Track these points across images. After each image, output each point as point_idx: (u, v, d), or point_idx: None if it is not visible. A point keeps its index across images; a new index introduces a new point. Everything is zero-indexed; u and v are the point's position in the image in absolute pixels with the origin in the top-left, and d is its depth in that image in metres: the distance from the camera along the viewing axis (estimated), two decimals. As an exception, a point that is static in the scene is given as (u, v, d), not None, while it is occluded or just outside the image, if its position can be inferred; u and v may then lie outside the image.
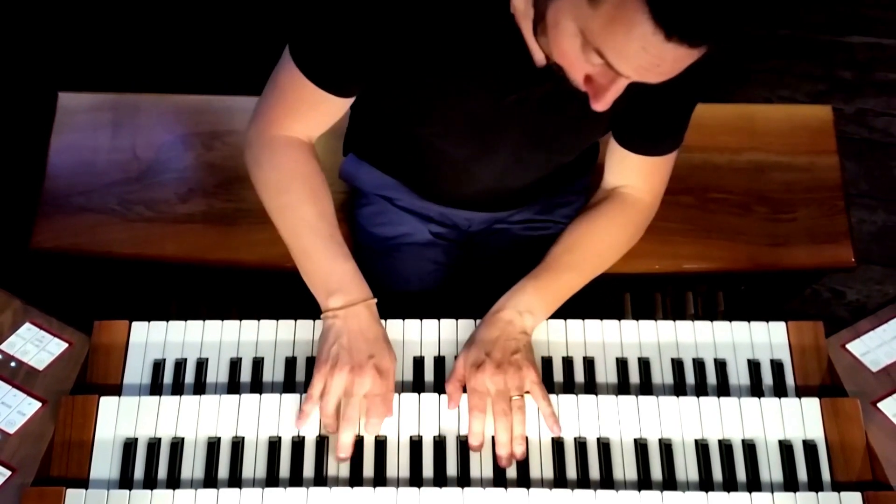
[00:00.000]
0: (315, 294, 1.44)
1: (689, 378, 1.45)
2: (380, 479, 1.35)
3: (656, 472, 1.36)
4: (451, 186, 1.67)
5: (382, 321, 1.46)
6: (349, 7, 1.27)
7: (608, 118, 1.41)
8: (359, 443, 1.37)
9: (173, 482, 1.34)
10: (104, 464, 1.35)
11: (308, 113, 1.43)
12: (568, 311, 1.52)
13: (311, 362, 1.46)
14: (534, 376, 1.39)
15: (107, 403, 1.38)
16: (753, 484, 1.35)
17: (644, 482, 1.35)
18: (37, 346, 1.43)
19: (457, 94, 1.36)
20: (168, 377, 1.45)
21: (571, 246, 1.54)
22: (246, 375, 1.45)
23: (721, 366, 1.46)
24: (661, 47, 1.00)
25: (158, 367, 1.45)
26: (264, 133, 1.46)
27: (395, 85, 1.39)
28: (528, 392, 1.38)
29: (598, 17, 1.03)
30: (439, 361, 1.46)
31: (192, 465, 1.35)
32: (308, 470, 1.35)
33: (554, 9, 1.09)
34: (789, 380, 1.45)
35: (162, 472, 1.35)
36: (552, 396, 1.39)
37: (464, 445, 1.37)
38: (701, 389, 1.45)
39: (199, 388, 1.44)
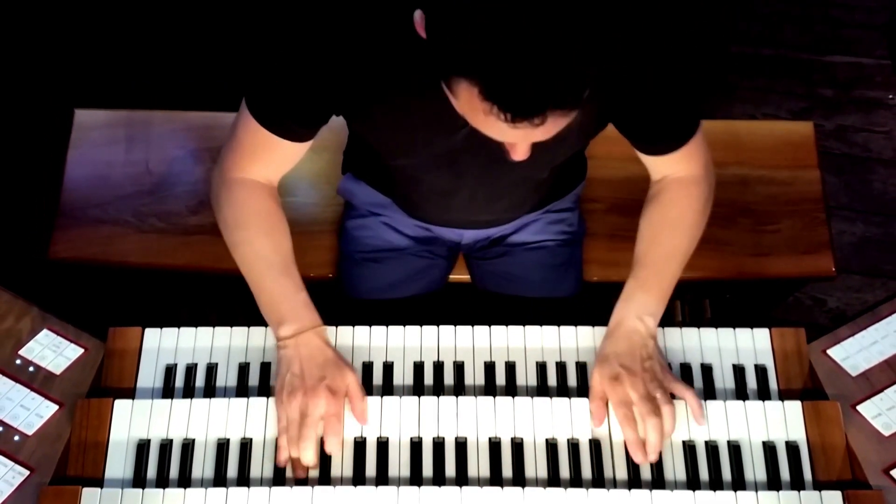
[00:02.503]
0: (269, 323, 1.45)
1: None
2: (382, 479, 1.35)
3: (646, 472, 1.36)
4: (434, 207, 1.68)
5: (383, 327, 1.48)
6: (299, 61, 1.27)
7: (571, 135, 1.40)
8: (361, 444, 1.37)
9: (184, 481, 1.35)
10: (118, 464, 1.35)
11: (264, 157, 1.44)
12: (562, 318, 1.52)
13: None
14: (671, 377, 1.39)
15: (121, 406, 1.38)
16: (738, 483, 1.35)
17: (634, 481, 1.35)
18: (54, 351, 1.44)
19: (413, 133, 1.37)
20: (179, 381, 1.45)
21: (654, 238, 1.51)
22: (254, 379, 1.46)
23: (707, 370, 1.46)
24: (513, 130, 1.02)
25: (170, 371, 1.46)
26: (224, 175, 1.47)
27: (357, 127, 1.41)
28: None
29: (461, 106, 1.06)
30: (438, 366, 1.47)
31: (203, 465, 1.36)
32: (313, 470, 1.35)
33: (443, 84, 1.09)
34: (773, 384, 1.45)
35: (174, 471, 1.36)
36: (547, 399, 1.39)
37: (461, 447, 1.37)
38: (688, 393, 1.45)
39: (209, 391, 1.45)
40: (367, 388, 1.43)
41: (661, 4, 1.24)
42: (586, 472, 1.36)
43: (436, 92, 1.11)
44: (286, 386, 1.37)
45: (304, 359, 1.39)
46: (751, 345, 1.48)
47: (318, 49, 1.25)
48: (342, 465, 1.36)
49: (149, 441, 1.37)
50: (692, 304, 2.19)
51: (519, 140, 1.12)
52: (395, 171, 1.54)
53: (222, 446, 1.37)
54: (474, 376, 1.46)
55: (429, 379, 1.46)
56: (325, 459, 1.36)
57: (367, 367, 1.46)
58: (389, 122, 1.35)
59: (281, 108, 1.34)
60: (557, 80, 0.97)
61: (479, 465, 1.36)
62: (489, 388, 1.45)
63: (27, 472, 1.32)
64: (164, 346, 1.47)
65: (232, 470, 1.36)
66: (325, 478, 1.35)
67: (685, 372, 1.46)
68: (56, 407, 1.38)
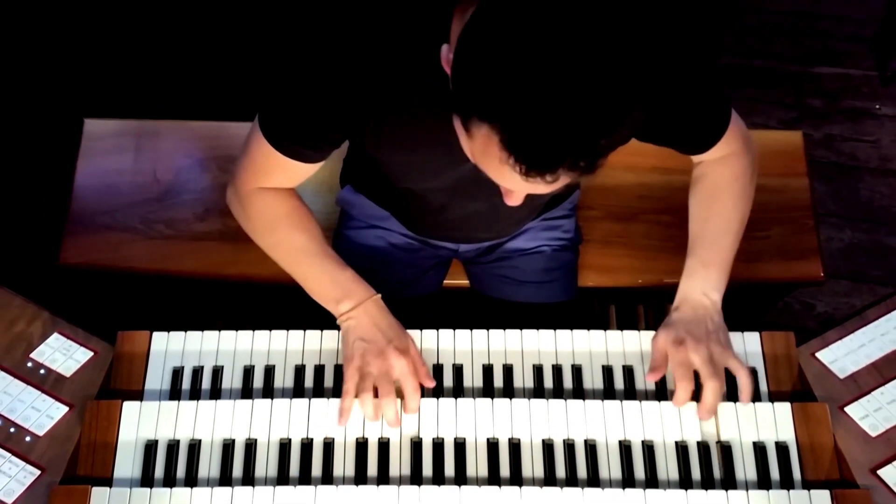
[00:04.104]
0: (326, 307, 1.46)
1: (670, 384, 1.46)
2: (383, 478, 1.35)
3: (639, 472, 1.36)
4: (435, 225, 1.68)
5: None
6: (313, 89, 1.25)
7: None
8: (363, 444, 1.37)
9: (191, 481, 1.35)
10: (127, 464, 1.36)
11: (277, 175, 1.44)
12: (558, 322, 1.53)
13: (319, 370, 1.47)
14: (730, 353, 1.41)
15: (129, 408, 1.39)
16: (729, 483, 1.36)
17: (628, 481, 1.36)
18: (64, 354, 1.44)
19: (423, 162, 1.37)
20: (186, 383, 1.46)
21: (706, 215, 1.52)
22: (258, 382, 1.46)
23: (699, 373, 1.46)
24: (523, 182, 1.01)
25: (177, 374, 1.46)
26: (241, 189, 1.48)
27: (367, 151, 1.39)
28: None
29: (474, 146, 1.04)
30: (438, 369, 1.47)
31: (209, 465, 1.36)
32: (316, 469, 1.36)
33: (455, 121, 1.08)
34: (762, 386, 1.46)
35: (180, 471, 1.36)
36: (542, 401, 1.40)
37: (460, 447, 1.37)
38: (681, 395, 1.45)
39: (215, 393, 1.45)
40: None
41: (674, 26, 1.22)
42: (581, 471, 1.36)
43: (448, 125, 1.10)
44: (356, 351, 1.40)
45: (369, 326, 1.42)
46: (742, 348, 1.49)
47: (333, 78, 1.23)
48: (344, 464, 1.36)
49: (156, 442, 1.37)
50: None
51: (522, 190, 1.10)
52: (400, 192, 1.54)
53: (228, 447, 1.37)
54: (473, 378, 1.46)
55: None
56: (328, 459, 1.36)
57: (369, 370, 1.46)
58: (400, 152, 1.35)
59: (293, 134, 1.34)
60: (580, 145, 0.95)
61: (477, 464, 1.36)
62: (487, 390, 1.45)
63: (38, 472, 1.32)
64: (172, 349, 1.48)
65: (237, 470, 1.36)
66: (327, 477, 1.35)
67: (678, 374, 1.46)
68: (66, 408, 1.39)
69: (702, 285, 1.46)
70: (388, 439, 1.38)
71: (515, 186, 1.07)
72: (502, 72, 0.94)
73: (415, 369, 1.41)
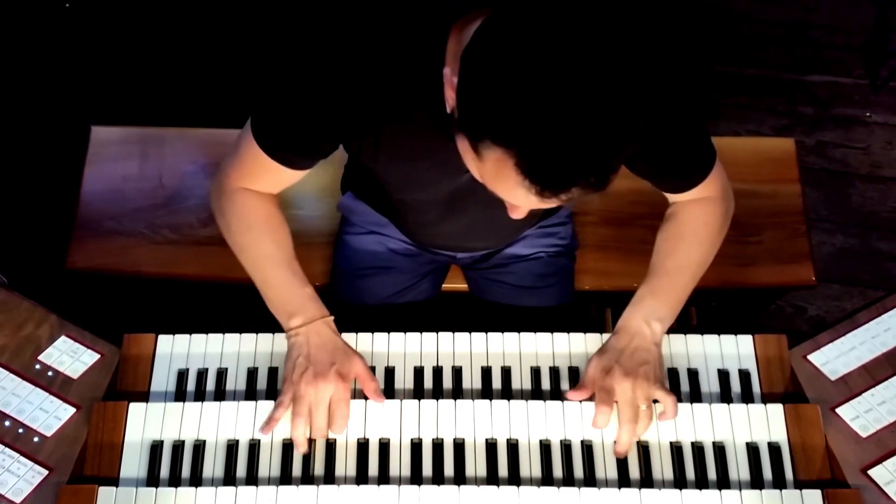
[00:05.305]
0: (277, 317, 1.46)
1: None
2: (384, 478, 1.35)
3: (634, 472, 1.36)
4: (432, 234, 1.68)
5: (385, 333, 1.48)
6: (309, 98, 1.25)
7: None
8: (364, 445, 1.38)
9: (196, 481, 1.35)
10: (133, 464, 1.36)
11: (264, 177, 1.44)
12: (555, 325, 1.53)
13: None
14: (658, 387, 1.38)
15: (135, 409, 1.39)
16: (723, 482, 1.36)
17: (623, 481, 1.36)
18: (72, 356, 1.44)
19: (419, 174, 1.37)
20: (191, 385, 1.46)
21: (670, 250, 1.50)
22: (262, 383, 1.46)
23: (693, 375, 1.47)
24: (539, 201, 1.01)
25: (182, 375, 1.46)
26: (225, 187, 1.47)
27: (363, 162, 1.39)
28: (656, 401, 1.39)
29: (485, 169, 1.04)
30: (437, 371, 1.47)
31: (213, 465, 1.36)
32: (318, 469, 1.36)
33: (459, 140, 1.07)
34: (755, 388, 1.46)
35: (185, 471, 1.36)
36: (541, 402, 1.40)
37: (459, 447, 1.37)
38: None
39: (220, 395, 1.45)
40: (370, 391, 1.43)
41: (673, 53, 1.22)
42: (578, 471, 1.36)
43: (444, 138, 1.09)
44: (297, 367, 1.39)
45: (315, 346, 1.41)
46: (735, 350, 1.49)
47: (330, 89, 1.22)
48: (346, 464, 1.36)
49: (162, 442, 1.37)
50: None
51: (533, 206, 1.10)
52: (397, 202, 1.54)
53: (232, 447, 1.37)
54: (472, 380, 1.46)
55: (428, 383, 1.46)
56: (330, 459, 1.37)
57: (370, 372, 1.47)
58: (397, 163, 1.34)
59: (285, 140, 1.33)
60: (595, 164, 0.95)
61: (476, 465, 1.36)
62: (486, 392, 1.46)
63: (46, 472, 1.32)
64: (177, 351, 1.48)
65: (241, 470, 1.36)
66: (329, 477, 1.35)
67: (672, 376, 1.47)
68: (73, 410, 1.39)
69: (646, 313, 1.44)
70: (389, 440, 1.38)
71: (528, 204, 1.07)
72: (517, 96, 0.93)
73: (348, 396, 1.39)
